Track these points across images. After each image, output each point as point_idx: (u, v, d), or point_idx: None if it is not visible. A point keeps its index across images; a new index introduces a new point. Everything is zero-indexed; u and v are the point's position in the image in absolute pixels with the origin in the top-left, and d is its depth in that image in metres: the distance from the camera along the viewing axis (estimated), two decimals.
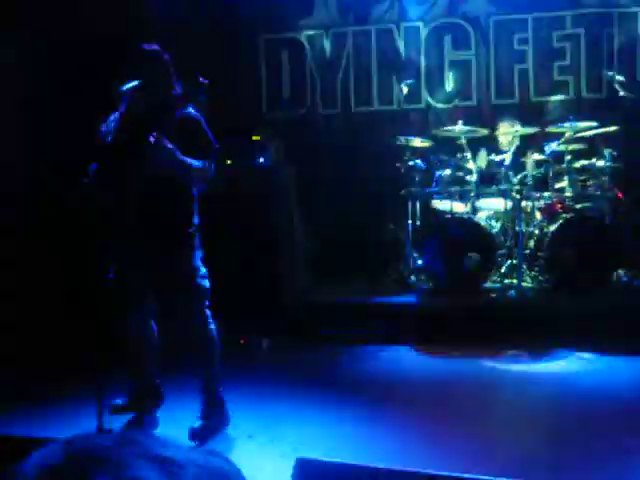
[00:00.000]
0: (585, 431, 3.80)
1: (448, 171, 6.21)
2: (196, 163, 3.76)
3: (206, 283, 3.94)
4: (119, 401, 4.20)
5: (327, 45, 7.66)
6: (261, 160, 6.19)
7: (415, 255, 6.26)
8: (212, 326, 3.99)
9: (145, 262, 3.83)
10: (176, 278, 3.85)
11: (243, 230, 5.80)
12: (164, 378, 4.10)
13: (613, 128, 6.26)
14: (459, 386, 4.66)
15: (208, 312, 3.97)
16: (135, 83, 3.77)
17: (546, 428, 3.90)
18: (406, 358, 5.37)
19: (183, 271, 3.84)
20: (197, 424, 3.87)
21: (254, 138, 6.31)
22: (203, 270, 3.93)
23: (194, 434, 3.81)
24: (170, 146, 3.64)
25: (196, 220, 3.95)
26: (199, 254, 3.94)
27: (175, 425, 3.91)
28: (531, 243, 6.18)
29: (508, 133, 6.53)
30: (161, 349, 4.07)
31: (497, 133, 6.69)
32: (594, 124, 6.24)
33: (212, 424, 3.93)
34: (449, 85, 7.46)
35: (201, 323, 3.93)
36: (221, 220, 5.71)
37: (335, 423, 4.04)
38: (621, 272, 6.14)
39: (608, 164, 6.09)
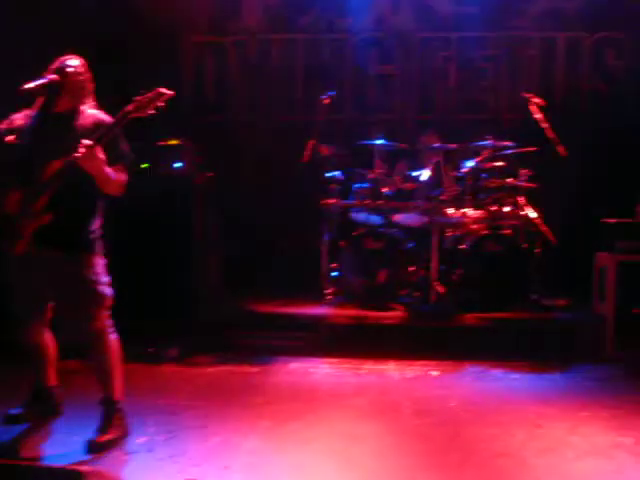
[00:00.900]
0: (487, 450, 3.83)
1: (366, 184, 6.24)
2: (114, 176, 3.64)
3: (108, 291, 3.81)
4: (15, 411, 4.02)
5: (253, 51, 7.59)
6: (178, 165, 6.05)
7: (331, 267, 6.23)
8: (112, 336, 3.86)
9: (45, 265, 3.69)
10: (75, 284, 3.71)
11: (156, 236, 5.65)
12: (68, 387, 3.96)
13: (529, 148, 6.42)
14: (362, 400, 4.63)
15: (109, 321, 3.84)
16: (44, 80, 3.62)
17: (447, 444, 3.91)
18: (316, 371, 5.32)
19: (83, 277, 3.71)
20: (94, 436, 3.73)
21: (172, 142, 6.17)
22: (105, 277, 3.80)
23: (90, 447, 3.67)
24: (102, 157, 3.52)
25: (97, 226, 3.82)
26: (101, 261, 3.81)
27: (76, 436, 3.76)
28: (445, 259, 6.25)
29: (427, 149, 6.59)
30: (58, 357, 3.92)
31: (417, 148, 6.75)
32: (511, 144, 6.38)
33: (110, 437, 3.79)
34: (373, 98, 7.49)
35: (100, 332, 3.80)
36: (134, 226, 5.57)
37: (237, 437, 3.95)
38: (533, 289, 6.29)
39: (522, 184, 6.23)
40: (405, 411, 4.45)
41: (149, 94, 3.59)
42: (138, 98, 3.59)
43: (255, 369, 5.33)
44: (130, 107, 3.57)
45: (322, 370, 5.35)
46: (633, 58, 7.47)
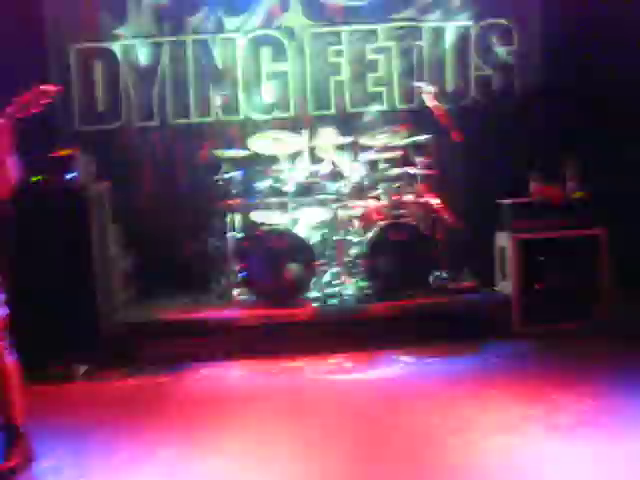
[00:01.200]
0: (403, 437, 3.85)
1: (266, 182, 6.20)
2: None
3: (2, 310, 3.62)
4: None
5: (142, 55, 7.41)
6: (71, 176, 5.83)
7: (237, 268, 6.14)
8: (9, 357, 3.67)
9: None
10: None
11: (52, 250, 5.42)
12: None
13: (425, 137, 6.52)
14: (275, 401, 4.59)
15: (4, 342, 3.65)
16: None
17: (362, 435, 3.91)
18: (229, 374, 5.25)
19: None
20: None
21: (63, 153, 5.94)
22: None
23: None
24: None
25: None
26: None
27: None
28: (351, 251, 6.28)
29: (325, 143, 6.59)
30: None
31: (315, 143, 6.74)
32: (407, 133, 6.46)
33: (14, 463, 3.61)
34: (267, 96, 7.45)
35: None
36: (28, 240, 5.35)
37: (147, 450, 3.84)
38: (438, 274, 6.39)
39: (420, 172, 6.33)
40: (319, 407, 4.44)
41: (29, 93, 3.46)
42: (17, 98, 3.45)
43: (165, 379, 5.21)
44: (11, 108, 3.44)
45: (234, 373, 5.28)
46: (519, 44, 7.69)
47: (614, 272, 6.16)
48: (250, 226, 6.44)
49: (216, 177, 6.41)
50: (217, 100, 6.94)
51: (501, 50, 7.73)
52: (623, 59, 6.70)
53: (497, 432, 3.84)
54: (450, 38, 7.66)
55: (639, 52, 6.51)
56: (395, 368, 5.19)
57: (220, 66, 7.43)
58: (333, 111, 7.48)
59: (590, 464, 3.39)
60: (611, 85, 6.67)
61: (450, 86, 7.65)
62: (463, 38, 7.68)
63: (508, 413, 4.12)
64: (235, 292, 6.22)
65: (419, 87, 6.58)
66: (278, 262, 5.87)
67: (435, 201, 6.31)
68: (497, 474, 3.38)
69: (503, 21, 7.69)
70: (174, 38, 7.41)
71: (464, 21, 7.67)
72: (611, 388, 4.43)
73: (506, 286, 6.01)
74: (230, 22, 7.49)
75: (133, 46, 7.37)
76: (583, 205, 6.08)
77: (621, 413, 4.00)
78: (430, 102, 6.42)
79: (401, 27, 7.62)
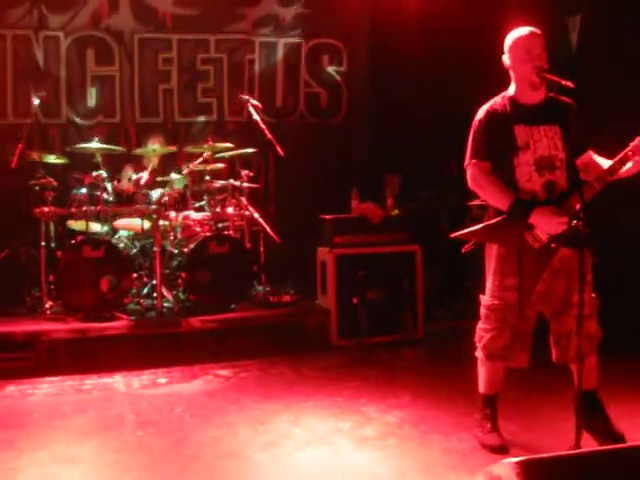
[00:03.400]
0: (211, 453, 3.79)
1: (84, 190, 5.93)
2: None
3: None
4: None
5: None
6: None
7: (50, 278, 5.81)
8: None
9: None
10: None
11: None
12: None
13: (250, 150, 6.54)
14: (83, 418, 4.37)
15: None
16: None
17: (170, 453, 3.81)
18: (35, 392, 4.94)
19: None
20: None
21: None
22: None
23: None
24: None
25: None
26: None
27: None
28: (173, 263, 6.15)
29: (148, 152, 6.43)
30: None
31: (139, 151, 6.56)
32: (232, 145, 6.44)
33: None
34: (91, 101, 7.17)
35: None
36: None
37: None
38: (260, 289, 6.41)
39: (245, 185, 6.33)
40: (128, 424, 4.28)
41: None
42: None
43: None
44: None
45: (41, 390, 4.99)
46: (348, 64, 7.92)
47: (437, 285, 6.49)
48: (65, 235, 6.13)
49: (31, 182, 6.05)
50: (36, 100, 6.56)
51: (331, 69, 7.91)
52: (445, 81, 7.07)
53: (306, 445, 3.86)
54: (281, 54, 7.75)
55: (464, 76, 6.86)
56: (211, 382, 5.13)
57: (41, 65, 7.07)
58: (160, 119, 7.34)
59: (395, 475, 3.48)
60: (434, 105, 7.01)
61: (279, 101, 7.74)
62: (294, 55, 7.80)
63: (318, 426, 4.16)
64: (47, 304, 5.88)
65: (246, 99, 6.58)
66: (93, 273, 5.62)
67: (257, 215, 6.32)
68: None
69: (333, 41, 7.89)
70: None
71: (296, 38, 7.80)
72: (417, 399, 4.60)
73: (326, 300, 6.12)
74: (54, 20, 7.15)
75: None
76: (401, 222, 6.32)
77: (424, 423, 4.15)
78: (256, 115, 6.44)
79: (232, 39, 7.61)
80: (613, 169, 3.36)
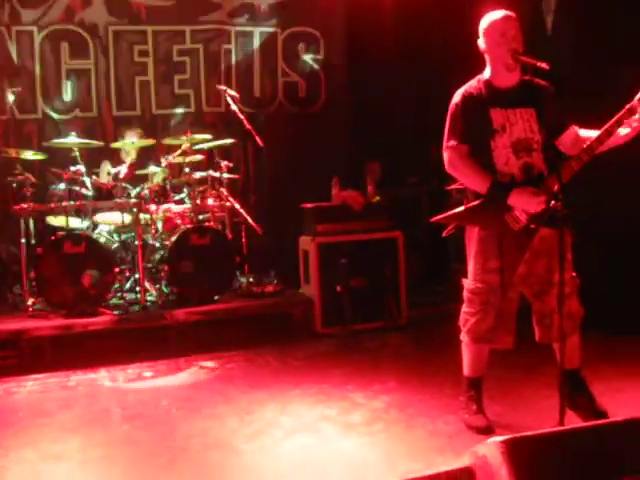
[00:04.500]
0: (198, 444, 3.79)
1: (62, 185, 5.88)
2: None
3: None
4: None
5: None
6: None
7: (31, 275, 5.77)
8: None
9: None
10: None
11: None
12: None
13: (229, 141, 6.51)
14: (69, 414, 4.36)
15: None
16: None
17: (157, 446, 3.80)
18: (19, 390, 4.91)
19: None
20: None
21: None
22: None
23: None
24: None
25: None
26: None
27: None
28: (155, 257, 6.13)
29: (127, 145, 6.39)
30: None
31: (117, 145, 6.52)
32: (210, 137, 6.41)
33: None
34: (67, 95, 7.11)
35: None
36: None
37: None
38: (243, 280, 6.41)
39: (225, 176, 6.31)
40: (114, 418, 4.27)
41: None
42: None
43: None
44: None
45: (26, 388, 4.95)
46: (326, 52, 7.90)
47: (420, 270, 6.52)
48: (46, 231, 6.09)
49: (9, 178, 6.00)
50: (10, 96, 6.48)
51: (308, 57, 7.90)
52: (423, 67, 7.09)
53: (293, 433, 3.87)
54: (257, 43, 7.72)
55: (441, 61, 6.87)
56: (197, 374, 5.13)
57: (15, 60, 7.00)
58: (138, 112, 7.29)
59: (382, 459, 3.50)
60: (413, 91, 7.03)
61: (257, 91, 7.71)
62: (270, 44, 7.77)
63: (307, 413, 4.17)
64: (29, 301, 5.83)
65: (223, 90, 6.55)
66: (75, 268, 5.58)
67: (238, 205, 6.31)
68: (290, 475, 3.41)
69: (310, 29, 7.87)
70: None
71: (272, 27, 7.77)
72: (403, 384, 4.62)
73: (309, 288, 6.13)
74: (27, 14, 7.08)
75: None
76: (382, 209, 6.32)
77: (410, 407, 4.18)
78: (234, 106, 6.42)
79: (208, 29, 7.57)
80: (603, 136, 3.34)
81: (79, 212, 5.99)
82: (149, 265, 6.07)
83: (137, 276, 5.95)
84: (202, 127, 6.84)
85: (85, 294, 5.62)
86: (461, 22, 4.98)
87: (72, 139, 6.06)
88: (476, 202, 3.55)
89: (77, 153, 6.08)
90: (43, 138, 6.75)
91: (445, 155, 3.63)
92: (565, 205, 3.17)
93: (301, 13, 7.79)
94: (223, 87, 6.57)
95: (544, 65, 3.26)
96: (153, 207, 6.04)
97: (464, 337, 3.76)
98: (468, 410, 3.79)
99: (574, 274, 3.62)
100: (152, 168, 6.25)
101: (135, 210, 5.92)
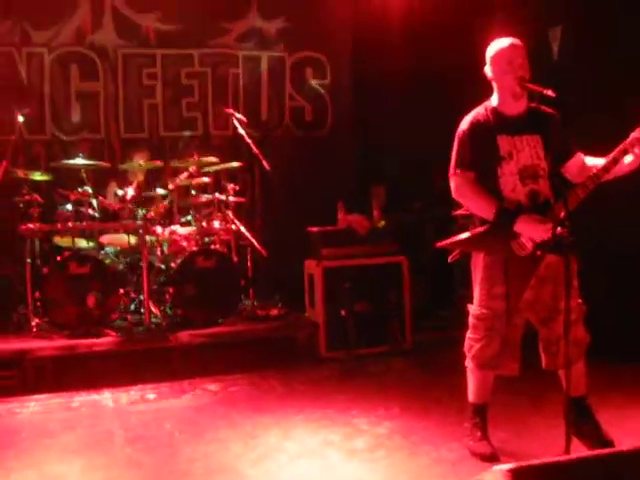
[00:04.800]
0: (202, 468, 3.77)
1: (69, 206, 5.91)
2: None
3: None
4: None
5: None
6: None
7: (36, 296, 5.77)
8: None
9: None
10: None
11: None
12: None
13: (236, 164, 6.55)
14: (71, 435, 4.34)
15: None
16: None
17: (159, 469, 3.78)
18: (22, 410, 4.89)
19: None
20: None
21: None
22: None
23: None
24: None
25: None
26: None
27: None
28: (160, 279, 6.13)
29: (134, 167, 6.42)
30: None
31: (124, 167, 6.55)
32: (217, 160, 6.45)
33: None
34: (76, 117, 7.16)
35: None
36: None
37: None
38: (248, 303, 6.40)
39: (231, 199, 6.33)
40: (117, 440, 4.25)
41: None
42: None
43: None
44: None
45: (29, 409, 4.93)
46: (332, 77, 7.96)
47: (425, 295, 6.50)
48: (51, 251, 6.10)
49: (16, 199, 6.02)
50: (20, 117, 6.52)
51: (315, 82, 7.95)
52: (429, 93, 7.11)
53: (297, 458, 3.86)
54: (265, 68, 7.78)
55: (448, 87, 6.90)
56: (201, 397, 5.10)
57: (25, 81, 7.07)
58: (145, 134, 7.34)
59: None
60: (418, 116, 7.05)
61: (264, 115, 7.77)
62: (278, 68, 7.84)
63: (309, 439, 4.15)
64: (34, 321, 5.83)
65: (230, 113, 6.60)
66: (80, 289, 5.59)
67: (244, 228, 6.32)
68: None
69: (316, 54, 7.94)
70: None
71: (279, 52, 7.84)
72: (407, 410, 4.60)
73: (314, 312, 6.12)
74: (38, 36, 7.15)
75: None
76: (387, 233, 6.32)
77: (414, 434, 4.16)
78: (241, 129, 6.46)
79: (216, 53, 7.64)
80: (609, 164, 3.36)
81: (85, 233, 6.01)
82: (154, 287, 6.06)
83: (142, 298, 5.95)
84: (209, 150, 6.87)
85: (90, 315, 5.62)
86: (467, 46, 5.02)
87: (80, 160, 6.10)
88: (482, 228, 3.55)
89: (84, 174, 6.11)
90: (51, 159, 6.80)
91: (452, 181, 3.64)
92: (571, 232, 3.17)
93: (308, 38, 7.86)
94: (231, 110, 6.62)
95: (550, 92, 3.28)
96: (159, 229, 6.07)
97: (469, 363, 3.74)
98: (472, 437, 3.77)
99: (580, 301, 3.61)
100: (159, 190, 6.28)
101: (141, 232, 5.93)
